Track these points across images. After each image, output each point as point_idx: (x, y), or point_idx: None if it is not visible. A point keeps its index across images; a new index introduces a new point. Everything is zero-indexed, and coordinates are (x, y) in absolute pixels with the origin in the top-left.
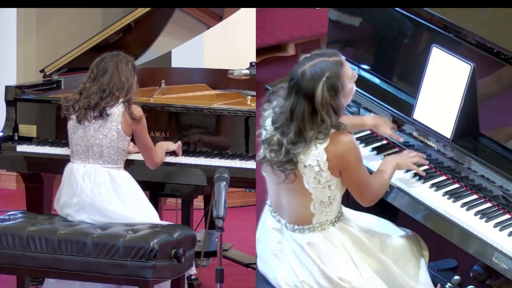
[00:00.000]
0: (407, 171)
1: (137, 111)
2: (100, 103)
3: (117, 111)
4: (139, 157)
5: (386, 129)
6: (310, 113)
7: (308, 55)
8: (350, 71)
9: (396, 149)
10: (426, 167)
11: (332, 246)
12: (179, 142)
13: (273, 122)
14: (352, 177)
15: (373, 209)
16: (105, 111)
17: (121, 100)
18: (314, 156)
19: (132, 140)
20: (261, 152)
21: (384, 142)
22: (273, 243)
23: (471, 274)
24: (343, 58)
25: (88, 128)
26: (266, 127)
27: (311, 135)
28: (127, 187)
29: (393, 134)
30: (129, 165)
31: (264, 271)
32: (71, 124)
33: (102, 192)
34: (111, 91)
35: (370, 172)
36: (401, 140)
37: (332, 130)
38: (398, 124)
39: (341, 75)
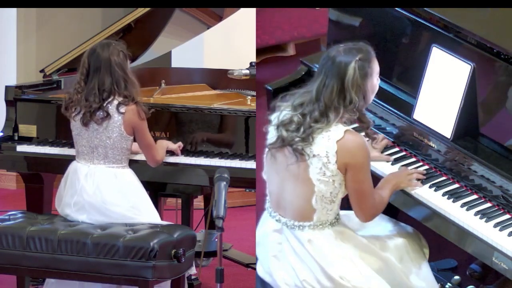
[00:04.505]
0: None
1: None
2: (102, 105)
3: (118, 112)
4: (139, 157)
5: (373, 152)
6: (338, 92)
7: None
8: (378, 67)
9: (403, 153)
10: (426, 167)
11: (332, 244)
12: (180, 143)
13: (294, 106)
14: (356, 180)
15: None
16: (108, 112)
17: (121, 95)
18: (325, 147)
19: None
20: (272, 136)
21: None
22: (273, 244)
23: (467, 273)
24: None
25: (92, 130)
26: (275, 120)
27: (335, 116)
28: (130, 186)
29: (381, 155)
30: (130, 165)
31: (263, 275)
32: (75, 125)
33: (104, 191)
34: (107, 90)
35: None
36: (391, 159)
37: (346, 127)
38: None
39: (371, 62)
